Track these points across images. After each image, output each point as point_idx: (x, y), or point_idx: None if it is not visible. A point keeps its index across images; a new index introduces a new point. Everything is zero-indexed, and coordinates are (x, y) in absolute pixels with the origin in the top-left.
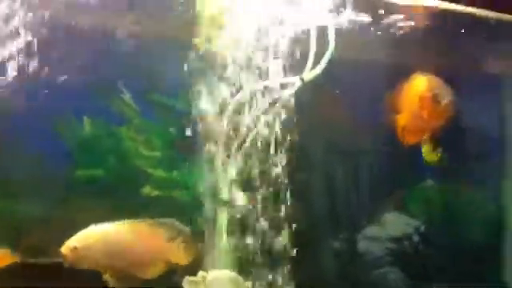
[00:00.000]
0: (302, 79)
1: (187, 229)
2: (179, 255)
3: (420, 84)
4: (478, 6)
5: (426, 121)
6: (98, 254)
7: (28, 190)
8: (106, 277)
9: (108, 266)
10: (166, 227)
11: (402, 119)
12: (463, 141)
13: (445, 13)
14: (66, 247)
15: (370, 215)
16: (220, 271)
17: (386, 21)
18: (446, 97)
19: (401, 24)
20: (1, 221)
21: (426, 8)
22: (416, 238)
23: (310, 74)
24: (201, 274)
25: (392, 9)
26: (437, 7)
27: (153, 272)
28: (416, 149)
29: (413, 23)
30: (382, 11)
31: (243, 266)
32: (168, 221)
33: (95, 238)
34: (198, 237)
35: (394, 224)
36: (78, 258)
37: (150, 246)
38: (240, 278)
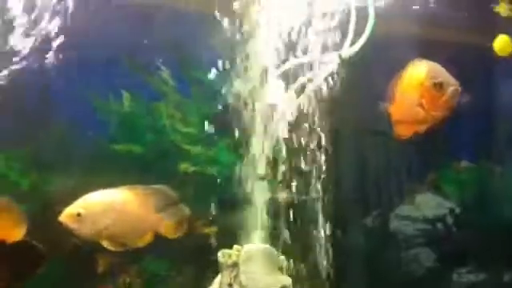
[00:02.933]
0: (340, 56)
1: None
2: (168, 228)
3: (419, 71)
4: None
5: (425, 111)
6: (99, 220)
7: (63, 164)
8: (103, 242)
9: (106, 233)
10: (157, 196)
11: (396, 111)
12: (498, 121)
13: None
14: (68, 215)
15: (404, 195)
16: (254, 245)
17: None
18: (452, 85)
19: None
20: (35, 192)
21: None
22: (450, 220)
23: (348, 50)
24: (235, 247)
25: None
26: None
27: (141, 242)
28: (450, 130)
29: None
30: None
31: (278, 240)
32: (161, 188)
33: (97, 204)
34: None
35: (428, 205)
36: (80, 224)
37: (142, 215)
38: (274, 252)
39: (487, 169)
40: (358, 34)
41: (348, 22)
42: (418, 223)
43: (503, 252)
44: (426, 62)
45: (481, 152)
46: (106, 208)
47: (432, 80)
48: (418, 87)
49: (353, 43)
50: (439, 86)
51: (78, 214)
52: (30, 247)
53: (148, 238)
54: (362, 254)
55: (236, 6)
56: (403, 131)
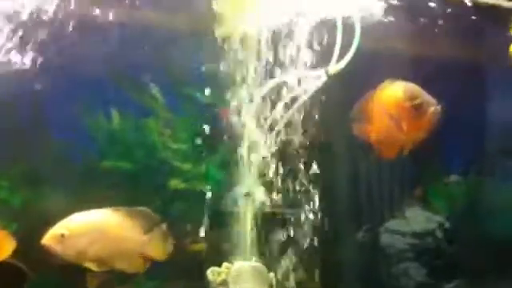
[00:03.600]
0: (327, 72)
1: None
2: (156, 250)
3: (396, 92)
4: None
5: (405, 133)
6: (83, 242)
7: (53, 182)
8: (88, 264)
9: (91, 255)
10: (142, 217)
11: (374, 132)
12: (489, 135)
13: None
14: (52, 236)
15: (393, 210)
16: (244, 262)
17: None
18: (431, 105)
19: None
20: (26, 209)
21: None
22: (439, 234)
23: (335, 67)
24: (225, 265)
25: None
26: None
27: (135, 268)
28: (440, 144)
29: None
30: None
31: (267, 257)
32: (144, 209)
33: (81, 224)
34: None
35: (417, 219)
36: (63, 246)
37: (129, 237)
38: (264, 269)
39: (476, 182)
40: (344, 50)
41: (334, 38)
42: (407, 237)
43: (493, 266)
44: (402, 82)
45: (470, 166)
46: (91, 229)
47: (411, 101)
48: (396, 109)
49: (339, 59)
50: (419, 107)
51: (62, 235)
52: (12, 267)
53: (141, 262)
54: (352, 268)
55: (227, 23)
56: (385, 152)
